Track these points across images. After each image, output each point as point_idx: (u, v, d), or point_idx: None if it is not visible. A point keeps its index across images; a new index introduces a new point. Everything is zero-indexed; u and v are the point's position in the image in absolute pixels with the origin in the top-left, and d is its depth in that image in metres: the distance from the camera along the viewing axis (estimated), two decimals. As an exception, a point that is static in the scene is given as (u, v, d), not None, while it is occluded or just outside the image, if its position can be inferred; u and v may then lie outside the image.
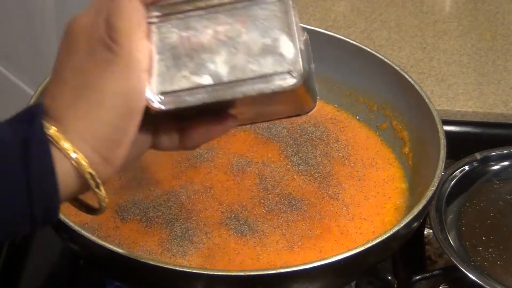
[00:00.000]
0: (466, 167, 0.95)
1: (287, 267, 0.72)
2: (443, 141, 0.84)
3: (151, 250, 0.80)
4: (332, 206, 0.85)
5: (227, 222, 0.82)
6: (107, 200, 0.61)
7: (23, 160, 0.56)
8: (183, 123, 0.65)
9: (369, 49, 0.94)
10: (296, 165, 0.89)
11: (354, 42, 0.95)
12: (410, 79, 0.91)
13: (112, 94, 0.58)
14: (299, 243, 0.81)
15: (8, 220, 0.56)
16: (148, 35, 0.61)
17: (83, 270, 0.88)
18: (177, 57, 0.62)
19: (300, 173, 0.88)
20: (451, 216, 0.90)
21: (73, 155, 0.57)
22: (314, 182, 0.88)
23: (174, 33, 0.62)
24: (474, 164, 0.95)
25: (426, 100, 0.88)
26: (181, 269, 0.71)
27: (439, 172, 0.81)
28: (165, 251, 0.79)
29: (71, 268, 0.90)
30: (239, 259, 0.79)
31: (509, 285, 0.83)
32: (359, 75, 0.95)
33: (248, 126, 0.93)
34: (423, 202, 0.78)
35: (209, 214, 0.83)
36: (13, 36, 1.96)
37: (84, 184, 0.59)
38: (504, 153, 0.96)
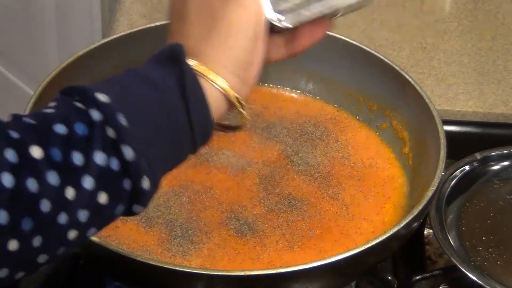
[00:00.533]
0: (466, 167, 0.95)
1: (287, 267, 0.72)
2: (443, 141, 0.83)
3: (151, 250, 0.80)
4: (332, 206, 0.85)
5: (227, 222, 0.83)
6: (248, 117, 0.68)
7: (181, 95, 0.61)
8: (289, 34, 0.71)
9: (369, 49, 0.94)
10: (296, 165, 0.89)
11: (354, 42, 0.95)
12: (410, 79, 0.91)
13: (238, 22, 0.65)
14: (299, 243, 0.81)
15: (175, 147, 0.62)
16: None
17: (83, 270, 0.88)
18: None
19: (300, 173, 0.88)
20: (451, 216, 0.90)
21: (219, 83, 0.64)
22: (314, 182, 0.88)
23: None
24: (474, 164, 0.95)
25: (426, 100, 0.88)
26: (181, 269, 0.71)
27: (439, 172, 0.81)
28: (165, 251, 0.80)
29: (71, 268, 0.90)
30: (239, 259, 0.79)
31: (509, 285, 0.83)
32: (359, 75, 0.95)
33: (248, 126, 0.93)
34: (423, 202, 0.78)
35: (209, 214, 0.83)
36: (13, 36, 1.96)
37: (229, 106, 0.65)
38: (504, 153, 0.96)
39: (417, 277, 0.87)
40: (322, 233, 0.82)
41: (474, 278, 0.83)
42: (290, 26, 0.68)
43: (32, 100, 0.85)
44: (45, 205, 0.55)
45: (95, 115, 0.57)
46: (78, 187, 0.56)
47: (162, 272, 0.71)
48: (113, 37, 0.95)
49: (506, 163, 0.96)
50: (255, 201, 0.85)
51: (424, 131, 0.88)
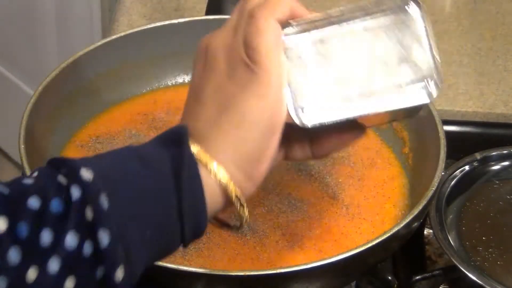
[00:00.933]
0: (466, 167, 0.95)
1: (287, 267, 0.72)
2: (443, 141, 0.83)
3: (151, 250, 0.79)
4: (332, 206, 0.85)
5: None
6: (248, 219, 0.62)
7: (175, 182, 0.57)
8: (315, 133, 0.65)
9: (369, 49, 0.94)
10: (296, 165, 0.89)
11: (354, 42, 0.95)
12: (410, 79, 0.90)
13: (253, 113, 0.60)
14: (299, 243, 0.81)
15: (159, 238, 0.58)
16: (285, 51, 0.62)
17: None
18: (315, 71, 0.62)
19: (300, 173, 0.88)
20: (451, 216, 0.90)
21: (220, 176, 0.59)
22: (314, 182, 0.88)
23: (310, 48, 0.62)
24: (474, 164, 0.95)
25: (426, 100, 0.88)
26: (181, 269, 0.71)
27: (439, 172, 0.81)
28: (165, 251, 0.79)
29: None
30: (239, 259, 0.79)
31: (509, 285, 0.83)
32: (359, 75, 0.95)
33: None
34: (423, 202, 0.78)
35: (209, 214, 0.83)
36: (13, 36, 1.96)
37: (227, 203, 0.60)
38: (504, 153, 0.96)
39: (417, 277, 0.87)
40: (322, 233, 0.82)
41: (474, 278, 0.83)
42: (309, 126, 0.62)
43: (32, 100, 0.85)
44: (1, 284, 0.51)
45: (75, 192, 0.53)
46: (42, 269, 0.52)
47: (162, 272, 0.71)
48: (113, 37, 0.95)
49: (506, 163, 0.96)
50: (255, 201, 0.85)
51: (424, 131, 0.88)
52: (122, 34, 0.95)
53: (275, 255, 0.80)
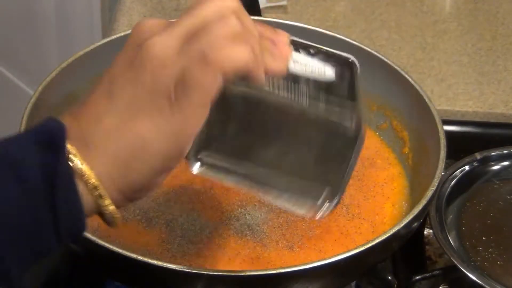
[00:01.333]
0: (466, 167, 0.95)
1: (287, 267, 0.71)
2: (443, 141, 0.83)
3: (151, 250, 0.80)
4: (332, 206, 0.85)
5: (227, 222, 0.82)
6: (119, 218, 0.59)
7: (48, 190, 0.54)
8: None
9: (369, 49, 0.94)
10: (296, 165, 0.89)
11: (354, 42, 0.95)
12: (410, 79, 0.91)
13: (151, 151, 0.56)
14: (299, 243, 0.81)
15: (32, 247, 0.55)
16: (216, 102, 0.57)
17: (83, 270, 0.88)
18: (232, 130, 0.60)
19: (300, 173, 0.88)
20: (451, 216, 0.90)
21: (97, 194, 0.56)
22: (314, 182, 0.88)
23: (242, 105, 0.60)
24: (474, 164, 0.95)
25: (426, 100, 0.88)
26: (181, 269, 0.71)
27: (439, 172, 0.81)
28: (165, 251, 0.79)
29: (70, 268, 0.90)
30: (239, 259, 0.79)
31: (509, 285, 0.83)
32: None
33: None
34: (423, 202, 0.78)
35: (209, 214, 0.83)
36: (13, 36, 1.96)
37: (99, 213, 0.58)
38: (504, 153, 0.96)
39: (417, 277, 0.87)
40: (322, 233, 0.82)
41: (474, 278, 0.83)
42: (196, 173, 0.62)
43: (32, 100, 0.85)
44: None
45: None
46: None
47: (162, 272, 0.71)
48: (113, 37, 0.95)
49: (506, 163, 0.96)
50: (255, 201, 0.85)
51: (424, 131, 0.88)
52: (122, 34, 0.95)
53: (275, 255, 0.80)
